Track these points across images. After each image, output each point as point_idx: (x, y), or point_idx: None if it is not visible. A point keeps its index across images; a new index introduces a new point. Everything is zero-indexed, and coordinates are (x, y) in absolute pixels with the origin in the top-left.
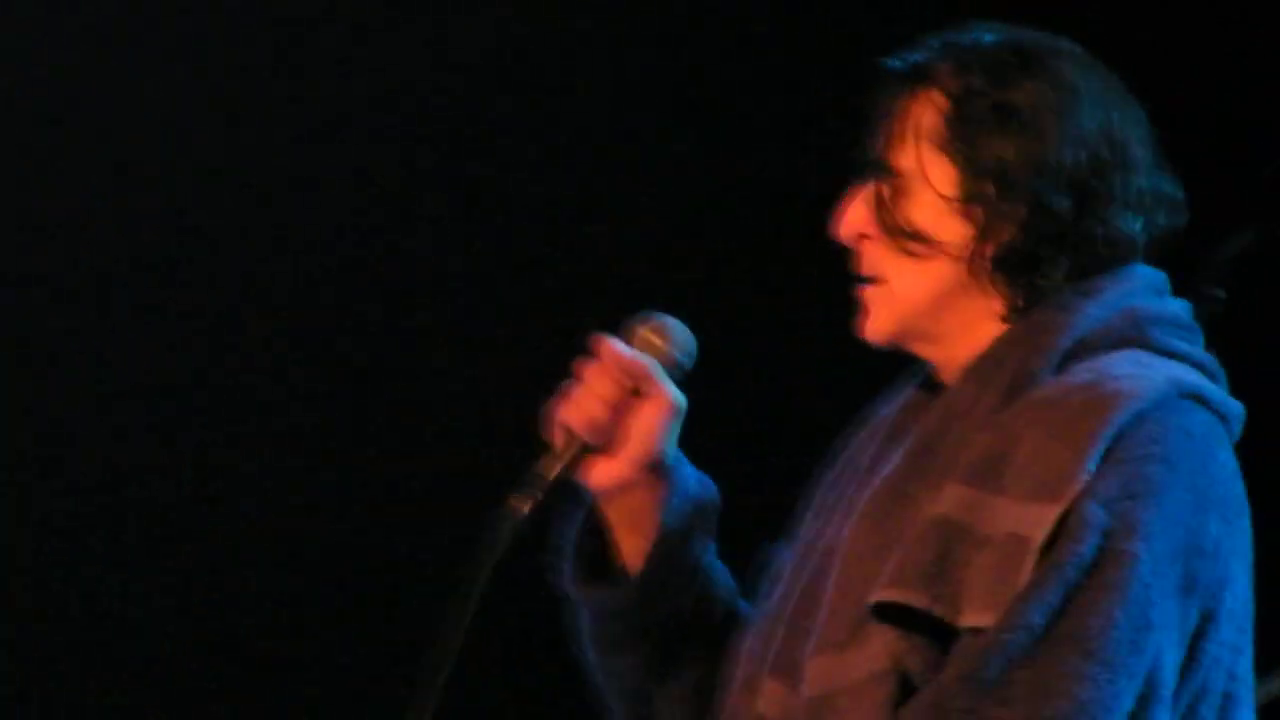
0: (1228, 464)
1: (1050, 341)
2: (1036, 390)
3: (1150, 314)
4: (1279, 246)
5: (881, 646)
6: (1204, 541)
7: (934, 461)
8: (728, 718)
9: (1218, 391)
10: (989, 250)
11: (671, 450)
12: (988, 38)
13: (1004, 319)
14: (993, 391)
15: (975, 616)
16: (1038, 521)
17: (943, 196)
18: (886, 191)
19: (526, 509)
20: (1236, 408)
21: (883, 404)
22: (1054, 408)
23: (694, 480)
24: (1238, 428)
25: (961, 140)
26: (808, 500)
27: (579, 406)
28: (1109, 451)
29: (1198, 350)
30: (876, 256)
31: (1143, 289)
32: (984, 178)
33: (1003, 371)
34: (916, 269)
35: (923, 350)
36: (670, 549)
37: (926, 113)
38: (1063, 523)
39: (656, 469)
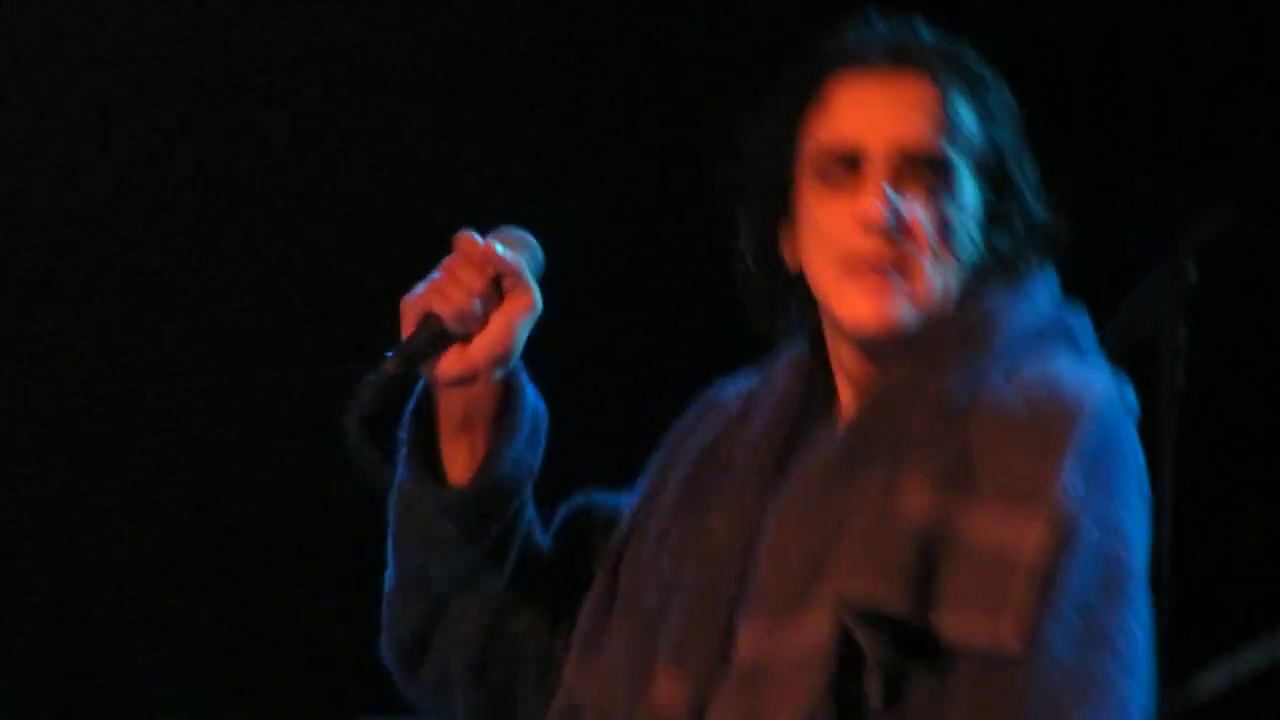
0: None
1: (989, 337)
2: (989, 392)
3: (1069, 315)
4: (1252, 225)
5: (820, 622)
6: (1146, 534)
7: (873, 445)
8: (603, 714)
9: (1130, 391)
10: (989, 253)
11: (518, 354)
12: (947, 39)
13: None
14: (935, 380)
15: (959, 624)
16: (1023, 533)
17: (980, 197)
18: (944, 187)
19: (391, 372)
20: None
21: (727, 394)
22: (1015, 413)
23: (533, 391)
24: None
25: (996, 145)
26: (656, 490)
27: (446, 296)
28: (1079, 457)
29: (1099, 349)
30: (913, 250)
31: (1055, 289)
32: (1006, 184)
33: (940, 363)
34: (951, 267)
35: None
36: (518, 448)
37: (962, 112)
38: (1051, 534)
39: (505, 368)
